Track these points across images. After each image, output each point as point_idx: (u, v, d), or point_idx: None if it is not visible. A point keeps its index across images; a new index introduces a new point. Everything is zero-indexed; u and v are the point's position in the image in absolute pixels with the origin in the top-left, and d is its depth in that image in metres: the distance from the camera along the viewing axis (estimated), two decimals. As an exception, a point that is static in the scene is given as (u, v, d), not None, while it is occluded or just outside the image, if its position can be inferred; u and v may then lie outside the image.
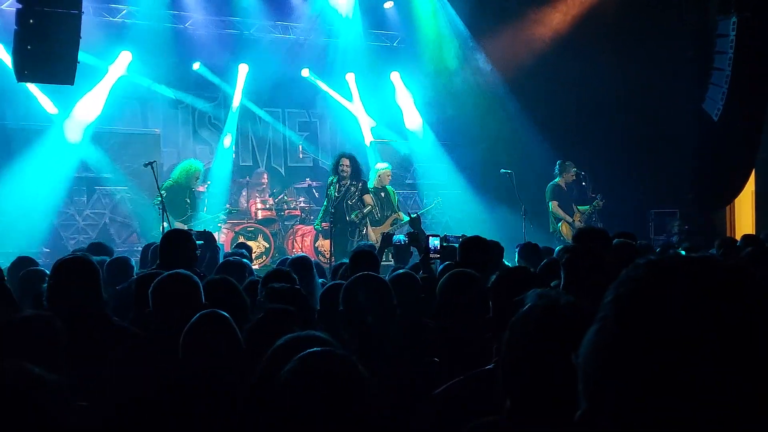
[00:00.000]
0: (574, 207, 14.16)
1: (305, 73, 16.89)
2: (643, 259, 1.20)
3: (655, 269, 1.16)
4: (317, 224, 13.89)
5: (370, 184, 13.77)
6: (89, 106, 14.68)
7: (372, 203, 13.26)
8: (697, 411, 1.07)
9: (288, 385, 2.36)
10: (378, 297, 4.08)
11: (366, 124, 17.33)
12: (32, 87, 13.66)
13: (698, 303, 1.10)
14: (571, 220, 13.88)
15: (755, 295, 1.12)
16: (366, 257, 6.56)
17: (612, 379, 1.14)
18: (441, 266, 6.75)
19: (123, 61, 14.99)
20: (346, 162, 13.04)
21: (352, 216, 12.93)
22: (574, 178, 14.24)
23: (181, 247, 6.28)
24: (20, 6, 9.59)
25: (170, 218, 11.77)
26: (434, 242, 8.70)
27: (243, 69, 16.31)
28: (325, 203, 13.46)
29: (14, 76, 10.37)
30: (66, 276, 4.73)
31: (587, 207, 14.11)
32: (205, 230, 9.10)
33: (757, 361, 1.07)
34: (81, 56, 10.46)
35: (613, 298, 1.17)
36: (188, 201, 13.61)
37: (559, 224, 13.93)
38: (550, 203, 14.13)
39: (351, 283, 4.20)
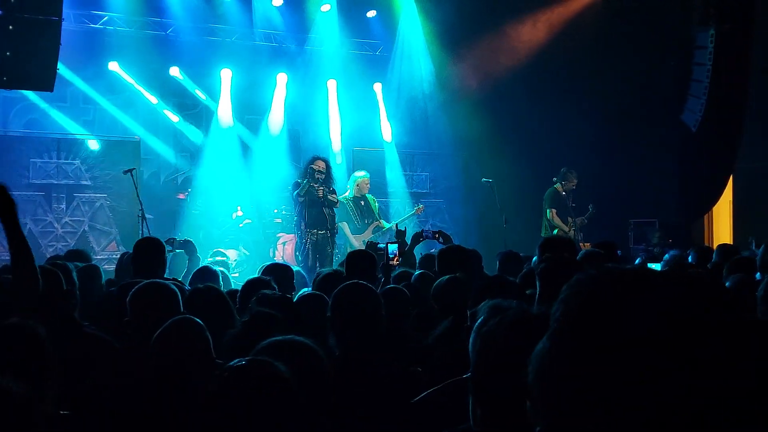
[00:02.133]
0: (570, 217, 14.17)
1: (282, 78, 16.84)
2: (577, 276, 1.21)
3: (588, 284, 1.17)
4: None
5: (351, 194, 13.78)
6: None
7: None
8: (641, 424, 1.08)
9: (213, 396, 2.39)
10: (366, 305, 4.08)
11: (336, 131, 17.30)
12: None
13: (631, 315, 1.10)
14: (567, 229, 13.89)
15: (692, 303, 1.12)
16: (363, 259, 6.59)
17: (555, 396, 1.14)
18: (416, 273, 6.76)
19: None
20: (322, 164, 12.98)
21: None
22: (574, 187, 14.26)
23: (151, 254, 6.28)
24: (0, 12, 9.54)
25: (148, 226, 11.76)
26: (393, 249, 8.86)
27: (225, 75, 16.31)
28: (299, 209, 13.09)
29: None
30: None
31: (580, 218, 14.14)
32: (186, 239, 9.07)
33: (693, 371, 1.08)
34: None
35: (553, 318, 1.19)
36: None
37: (555, 231, 13.92)
38: (548, 210, 14.13)
39: (341, 290, 4.20)
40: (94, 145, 14.78)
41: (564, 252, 4.96)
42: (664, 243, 14.42)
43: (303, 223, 12.90)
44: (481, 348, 2.84)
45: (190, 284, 6.32)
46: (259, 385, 2.40)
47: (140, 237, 11.56)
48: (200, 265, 7.80)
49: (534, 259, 7.70)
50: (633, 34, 15.20)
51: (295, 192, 12.93)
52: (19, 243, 4.22)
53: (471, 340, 3.07)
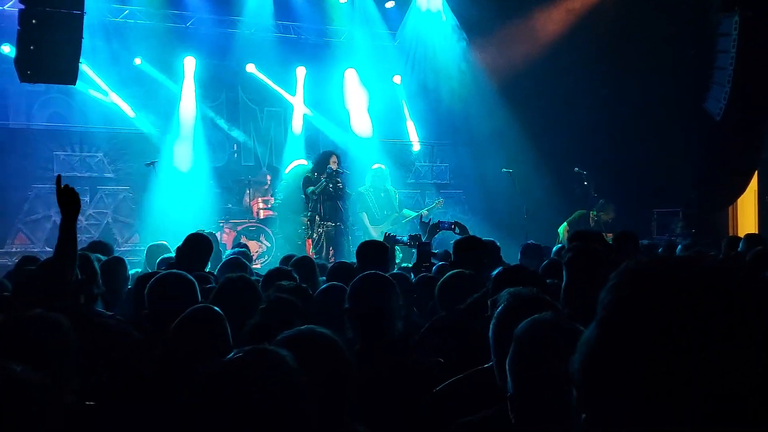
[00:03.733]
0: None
1: (302, 71, 16.91)
2: (626, 264, 1.21)
3: (638, 273, 1.17)
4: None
5: (368, 182, 13.79)
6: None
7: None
8: (688, 410, 1.08)
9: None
10: (383, 295, 4.08)
11: (355, 123, 17.31)
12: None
13: (683, 303, 1.11)
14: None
15: (736, 294, 1.13)
16: (376, 249, 6.58)
17: (604, 383, 1.14)
18: (437, 265, 6.75)
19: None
20: (335, 159, 13.09)
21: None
22: (610, 220, 14.12)
23: (195, 250, 6.33)
24: (23, 6, 9.59)
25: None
26: (401, 239, 9.09)
27: (250, 68, 16.37)
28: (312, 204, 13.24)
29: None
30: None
31: (593, 212, 14.07)
32: (209, 232, 9.12)
33: (741, 358, 1.08)
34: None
35: (602, 305, 1.19)
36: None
37: (561, 228, 13.84)
38: (564, 224, 14.02)
39: (358, 281, 4.19)
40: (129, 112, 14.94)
41: (593, 244, 4.92)
42: (688, 233, 14.32)
43: (318, 217, 12.96)
44: (502, 335, 2.85)
45: (218, 275, 6.35)
46: (256, 375, 2.32)
47: (163, 228, 11.74)
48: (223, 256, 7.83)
49: (554, 249, 7.70)
50: (653, 22, 15.07)
51: (309, 189, 13.00)
52: (71, 240, 4.70)
53: (491, 327, 3.08)
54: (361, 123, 17.40)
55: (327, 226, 13.06)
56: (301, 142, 17.03)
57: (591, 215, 14.14)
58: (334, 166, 13.16)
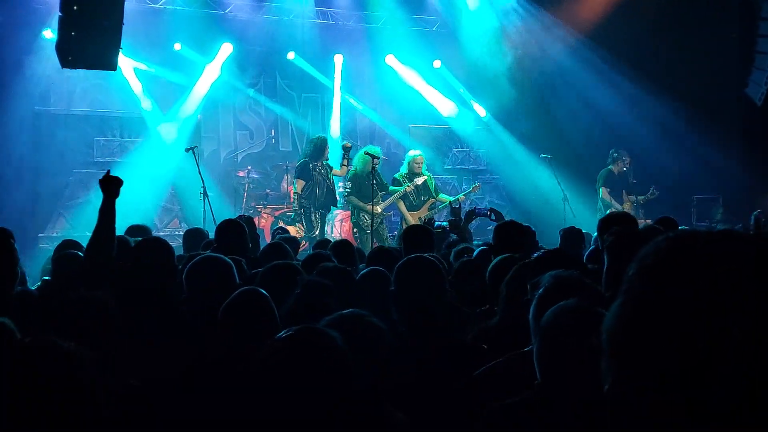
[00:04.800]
0: (625, 195, 14.04)
1: (338, 59, 16.94)
2: (664, 234, 1.21)
3: (677, 239, 1.17)
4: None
5: (404, 170, 13.79)
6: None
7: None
8: (724, 376, 1.07)
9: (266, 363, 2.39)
10: (430, 279, 4.08)
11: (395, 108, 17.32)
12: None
13: (721, 270, 1.11)
14: (620, 207, 13.70)
15: None
16: (421, 233, 6.59)
17: (638, 346, 1.15)
18: (477, 250, 6.72)
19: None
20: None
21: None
22: (626, 168, 14.09)
23: (231, 237, 6.37)
24: (64, -8, 9.67)
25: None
26: (440, 224, 9.05)
27: (289, 55, 16.49)
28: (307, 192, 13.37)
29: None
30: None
31: (642, 196, 13.97)
32: (245, 216, 9.15)
33: None
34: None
35: (637, 270, 1.19)
36: (374, 183, 13.49)
37: (608, 211, 13.77)
38: (600, 189, 13.98)
39: (403, 264, 4.20)
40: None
41: (626, 226, 4.88)
42: (728, 219, 14.17)
43: (312, 205, 13.24)
44: (542, 315, 2.85)
45: (260, 260, 6.38)
46: (307, 353, 2.37)
47: (202, 214, 11.81)
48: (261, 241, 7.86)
49: (594, 236, 7.65)
50: (693, 6, 14.88)
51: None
52: (109, 221, 4.86)
53: (532, 310, 3.08)
54: (400, 108, 17.39)
55: (321, 213, 13.35)
56: (340, 128, 17.07)
57: (611, 168, 14.07)
58: (327, 153, 13.46)
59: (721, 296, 1.09)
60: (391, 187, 13.62)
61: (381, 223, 13.48)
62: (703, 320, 1.09)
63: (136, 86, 15.16)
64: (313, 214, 13.25)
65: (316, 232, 13.08)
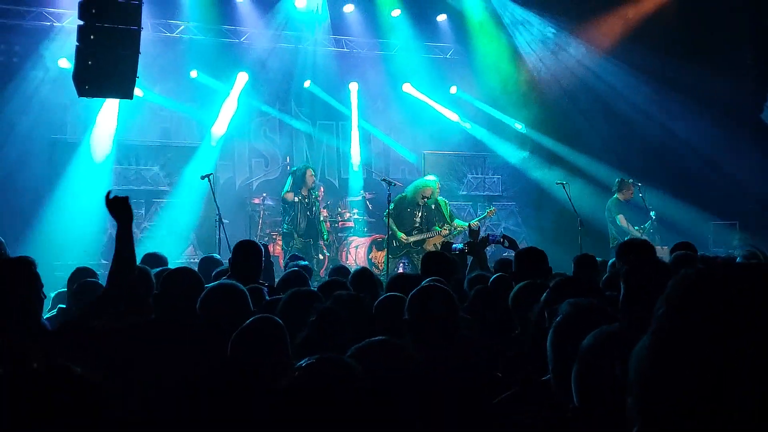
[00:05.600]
0: (632, 224, 13.96)
1: (353, 86, 17.04)
2: (689, 269, 1.20)
3: (704, 275, 1.16)
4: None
5: (409, 193, 13.82)
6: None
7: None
8: (751, 410, 1.06)
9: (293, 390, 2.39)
10: (443, 307, 4.06)
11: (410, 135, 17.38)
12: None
13: (749, 305, 1.09)
14: (638, 234, 13.60)
15: None
16: (439, 260, 6.56)
17: (666, 384, 1.13)
18: (493, 277, 6.69)
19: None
20: (312, 173, 13.92)
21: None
22: (632, 196, 14.01)
23: (250, 258, 6.33)
24: (82, 23, 9.77)
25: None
26: (457, 246, 9.01)
27: (305, 84, 16.64)
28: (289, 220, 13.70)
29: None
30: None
31: (647, 224, 13.88)
32: (263, 243, 9.16)
33: None
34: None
35: (666, 308, 1.17)
36: (418, 215, 13.61)
37: (627, 238, 13.67)
38: (616, 217, 13.87)
39: (416, 293, 4.18)
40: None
41: (644, 254, 4.86)
42: (746, 245, 14.06)
43: (295, 233, 13.56)
44: (561, 346, 2.82)
45: (278, 288, 6.36)
46: (329, 381, 2.39)
47: (217, 241, 11.83)
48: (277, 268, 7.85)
49: (610, 262, 7.60)
50: (710, 30, 14.87)
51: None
52: (128, 252, 4.72)
53: (550, 338, 3.05)
54: (414, 135, 17.44)
55: (301, 242, 13.51)
56: (357, 156, 17.14)
57: (618, 197, 13.99)
58: (311, 181, 13.67)
59: (755, 335, 1.08)
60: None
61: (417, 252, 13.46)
62: (735, 359, 1.08)
63: (153, 114, 15.27)
64: (291, 242, 13.42)
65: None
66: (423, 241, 13.61)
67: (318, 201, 13.83)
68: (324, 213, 14.81)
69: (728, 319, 1.10)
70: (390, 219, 13.24)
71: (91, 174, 14.53)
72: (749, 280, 1.14)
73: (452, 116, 17.56)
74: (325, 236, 14.40)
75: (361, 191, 16.27)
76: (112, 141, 14.85)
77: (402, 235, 13.39)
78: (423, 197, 13.46)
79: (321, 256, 14.16)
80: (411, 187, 13.61)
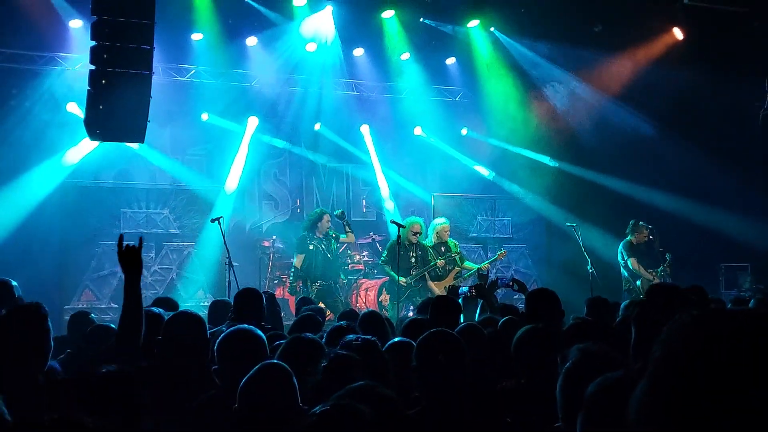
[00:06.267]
0: (645, 267, 13.89)
1: (364, 129, 17.15)
2: (683, 315, 1.21)
3: (698, 322, 1.17)
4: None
5: (431, 240, 13.82)
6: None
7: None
8: None
9: None
10: (450, 353, 4.03)
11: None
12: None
13: (746, 353, 1.10)
14: (651, 277, 13.52)
15: None
16: (447, 305, 6.54)
17: (658, 426, 1.13)
18: (502, 320, 6.65)
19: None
20: (328, 218, 13.69)
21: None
22: (646, 239, 13.95)
23: (250, 304, 6.35)
24: (93, 67, 9.85)
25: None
26: (463, 290, 8.95)
27: (315, 126, 16.75)
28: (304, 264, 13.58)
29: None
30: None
31: (660, 269, 13.79)
32: (268, 292, 9.15)
33: None
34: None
35: (661, 353, 1.18)
36: (412, 255, 13.63)
37: (638, 282, 13.59)
38: (629, 260, 13.81)
39: (423, 339, 4.15)
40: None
41: (672, 300, 4.81)
42: (757, 288, 13.98)
43: (310, 275, 13.39)
44: (570, 392, 2.79)
45: (290, 333, 6.36)
46: (344, 428, 2.39)
47: (227, 284, 11.81)
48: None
49: (623, 304, 7.56)
50: (722, 74, 14.91)
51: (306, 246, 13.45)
52: (135, 300, 4.67)
53: (559, 384, 3.02)
54: (424, 177, 17.49)
55: (319, 285, 13.38)
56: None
57: (630, 240, 13.92)
58: (326, 226, 13.56)
59: (746, 384, 1.08)
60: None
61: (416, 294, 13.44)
62: (725, 405, 1.08)
63: (162, 158, 15.38)
64: (310, 285, 13.33)
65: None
66: (423, 281, 13.55)
67: (334, 239, 13.69)
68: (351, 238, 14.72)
69: (720, 366, 1.11)
70: (386, 266, 13.26)
71: (101, 217, 14.58)
72: (741, 329, 1.14)
73: (463, 158, 17.62)
74: (342, 276, 14.28)
75: (370, 233, 16.26)
76: (120, 184, 14.93)
77: (401, 279, 13.36)
78: (414, 233, 13.44)
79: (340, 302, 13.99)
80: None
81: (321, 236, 13.50)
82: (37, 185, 13.89)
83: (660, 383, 1.16)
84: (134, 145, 13.86)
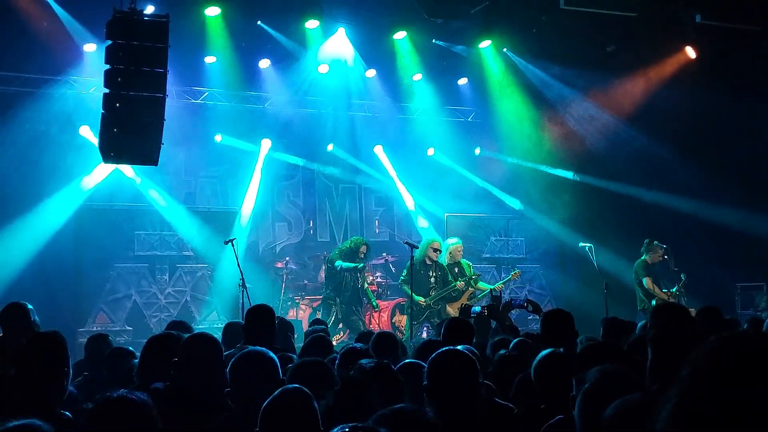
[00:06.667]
0: (660, 286, 13.82)
1: (378, 150, 17.19)
2: (713, 338, 1.24)
3: (728, 343, 1.19)
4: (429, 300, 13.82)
5: (444, 261, 13.82)
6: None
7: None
8: None
9: None
10: (462, 373, 4.01)
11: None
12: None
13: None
14: (666, 297, 13.44)
15: None
16: (459, 326, 6.52)
17: None
18: (514, 341, 6.62)
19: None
20: (365, 249, 14.00)
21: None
22: (661, 258, 13.88)
23: (261, 321, 6.33)
24: (107, 90, 9.91)
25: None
26: (476, 310, 8.96)
27: (328, 147, 16.81)
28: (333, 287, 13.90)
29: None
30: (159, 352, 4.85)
31: (675, 289, 13.72)
32: (282, 318, 9.16)
33: None
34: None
35: (689, 373, 1.21)
36: (431, 275, 13.69)
37: (653, 301, 13.51)
38: (644, 279, 13.74)
39: (435, 359, 4.14)
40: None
41: (679, 319, 4.77)
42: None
43: (338, 299, 13.76)
44: (589, 413, 2.78)
45: (300, 354, 6.34)
46: None
47: (240, 306, 11.80)
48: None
49: (639, 324, 7.52)
50: (730, 91, 14.89)
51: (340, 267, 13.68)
52: None
53: (577, 405, 3.00)
54: (436, 197, 17.47)
55: (344, 309, 13.63)
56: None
57: (645, 259, 13.84)
58: (362, 256, 13.79)
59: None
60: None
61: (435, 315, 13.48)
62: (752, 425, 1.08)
63: (177, 179, 15.44)
64: (333, 307, 13.40)
65: (331, 324, 13.15)
66: (442, 302, 13.58)
67: (363, 270, 13.92)
68: (369, 277, 14.76)
69: (749, 387, 1.12)
70: (405, 285, 13.26)
71: (115, 240, 14.61)
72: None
73: (476, 179, 17.62)
74: (374, 304, 14.32)
75: (384, 254, 16.23)
76: (134, 206, 14.98)
77: (420, 299, 13.40)
78: (434, 250, 13.49)
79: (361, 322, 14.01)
80: (419, 248, 13.63)
81: (356, 263, 13.54)
82: (55, 212, 13.94)
83: (689, 400, 1.18)
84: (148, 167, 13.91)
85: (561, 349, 4.77)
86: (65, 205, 14.14)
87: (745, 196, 15.09)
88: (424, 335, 13.31)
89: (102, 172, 14.41)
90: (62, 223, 14.02)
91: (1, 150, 13.64)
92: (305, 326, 13.46)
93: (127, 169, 14.57)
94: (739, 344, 1.19)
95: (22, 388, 4.26)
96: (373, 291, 15.01)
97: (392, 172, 17.36)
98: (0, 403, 4.22)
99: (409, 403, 3.24)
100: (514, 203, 17.72)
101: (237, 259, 11.96)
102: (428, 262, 13.67)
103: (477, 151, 17.75)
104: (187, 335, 5.54)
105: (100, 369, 6.29)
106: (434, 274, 13.65)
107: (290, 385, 3.84)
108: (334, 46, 15.21)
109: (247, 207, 16.16)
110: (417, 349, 6.22)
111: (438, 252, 13.64)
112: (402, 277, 13.69)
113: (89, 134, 14.00)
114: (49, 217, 13.88)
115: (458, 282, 13.62)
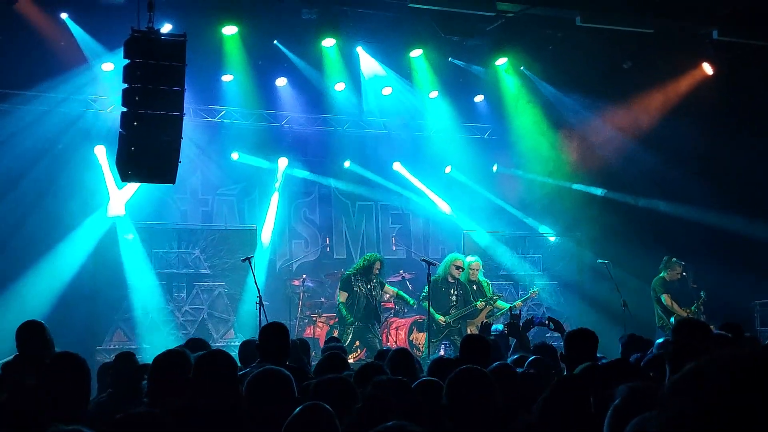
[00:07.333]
0: (678, 304, 13.74)
1: (397, 166, 17.22)
2: (715, 355, 1.29)
3: (703, 367, 1.19)
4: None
5: (463, 278, 13.79)
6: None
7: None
8: None
9: None
10: (480, 391, 4.00)
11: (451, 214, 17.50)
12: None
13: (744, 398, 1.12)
14: (685, 314, 13.36)
15: None
16: (477, 344, 6.50)
17: None
18: (531, 358, 6.58)
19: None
20: (379, 265, 13.86)
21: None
22: (680, 275, 13.81)
23: (275, 339, 6.30)
24: (125, 109, 9.95)
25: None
26: (497, 328, 8.93)
27: (345, 164, 16.90)
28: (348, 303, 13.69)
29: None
30: (166, 371, 4.83)
31: (693, 306, 13.64)
32: (300, 339, 9.17)
33: None
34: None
35: (670, 391, 1.30)
36: (453, 293, 13.71)
37: (672, 318, 13.43)
38: (662, 296, 13.68)
39: (453, 377, 4.12)
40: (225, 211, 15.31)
41: (697, 335, 4.75)
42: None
43: (352, 316, 13.51)
44: (618, 427, 2.79)
45: (316, 372, 6.32)
46: None
47: (257, 324, 11.80)
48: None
49: (657, 342, 7.47)
50: (747, 105, 14.83)
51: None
52: None
53: (607, 420, 3.00)
54: (453, 214, 17.48)
55: (359, 326, 13.48)
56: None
57: (663, 276, 13.77)
58: (376, 272, 13.71)
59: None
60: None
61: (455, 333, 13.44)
62: None
63: (193, 198, 15.50)
64: (347, 325, 13.37)
65: (346, 343, 13.10)
66: (463, 320, 13.55)
67: (380, 285, 13.84)
68: (389, 291, 14.70)
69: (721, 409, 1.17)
70: (427, 302, 13.20)
71: (133, 258, 14.66)
72: (747, 373, 1.20)
73: (492, 197, 17.60)
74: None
75: (400, 271, 16.20)
76: (151, 224, 15.04)
77: (440, 317, 13.38)
78: (456, 268, 13.48)
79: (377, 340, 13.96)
80: (441, 265, 13.64)
81: (369, 280, 13.51)
82: (81, 242, 14.06)
83: (669, 420, 1.22)
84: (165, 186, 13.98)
85: (575, 372, 4.74)
86: (91, 234, 14.23)
87: (759, 214, 15.01)
88: (442, 353, 13.27)
89: (126, 193, 14.48)
90: (88, 252, 14.11)
91: (21, 169, 13.72)
92: (322, 344, 13.46)
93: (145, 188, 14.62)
94: (711, 369, 1.25)
95: (44, 404, 4.27)
96: (390, 308, 15.00)
97: (419, 185, 17.38)
98: (23, 418, 4.25)
99: (397, 420, 3.23)
100: (531, 220, 17.68)
101: (254, 276, 11.98)
102: (450, 279, 13.66)
103: (494, 167, 17.76)
104: (200, 353, 5.54)
105: (126, 386, 6.32)
106: (455, 292, 13.64)
107: (312, 402, 3.84)
108: (351, 64, 15.29)
109: (265, 225, 16.19)
110: (430, 366, 6.21)
111: (461, 270, 13.63)
112: (423, 294, 13.67)
113: (102, 155, 14.12)
114: (76, 249, 13.98)
115: (479, 302, 13.59)
